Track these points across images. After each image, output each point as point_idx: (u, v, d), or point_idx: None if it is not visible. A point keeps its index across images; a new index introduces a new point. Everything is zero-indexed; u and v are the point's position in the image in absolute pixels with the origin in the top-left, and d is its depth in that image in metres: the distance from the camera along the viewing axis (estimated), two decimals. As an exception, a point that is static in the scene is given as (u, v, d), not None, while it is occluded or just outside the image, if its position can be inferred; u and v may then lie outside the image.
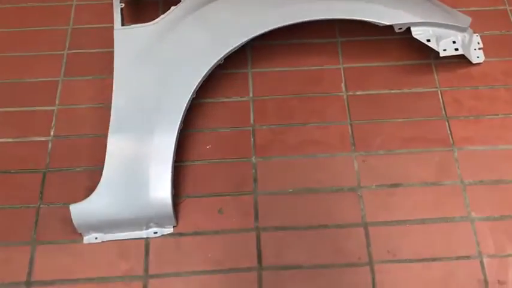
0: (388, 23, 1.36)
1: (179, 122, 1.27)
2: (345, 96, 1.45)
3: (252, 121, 1.42)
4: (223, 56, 1.33)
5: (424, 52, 1.47)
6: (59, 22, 1.59)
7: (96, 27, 1.57)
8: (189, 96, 1.29)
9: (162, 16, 1.39)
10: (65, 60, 1.51)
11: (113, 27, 1.40)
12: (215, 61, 1.32)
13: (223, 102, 1.45)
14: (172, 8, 1.41)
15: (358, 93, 1.46)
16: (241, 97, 1.46)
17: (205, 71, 1.31)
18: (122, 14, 1.42)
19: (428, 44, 1.38)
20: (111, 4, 1.45)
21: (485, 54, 1.49)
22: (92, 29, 1.57)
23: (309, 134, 1.39)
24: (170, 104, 1.30)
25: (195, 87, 1.30)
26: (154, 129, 1.26)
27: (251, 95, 1.46)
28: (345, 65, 1.50)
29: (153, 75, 1.33)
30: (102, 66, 1.48)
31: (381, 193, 1.30)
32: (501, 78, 1.47)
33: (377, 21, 1.36)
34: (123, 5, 1.42)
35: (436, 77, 1.48)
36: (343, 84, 1.47)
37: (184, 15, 1.39)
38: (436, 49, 1.38)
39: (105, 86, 1.42)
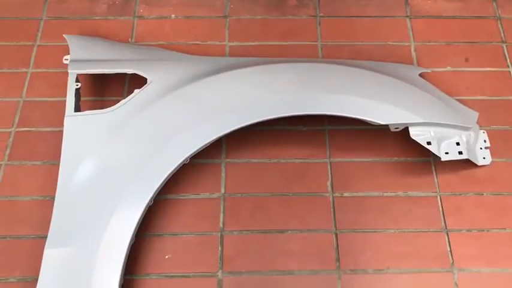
0: (382, 123, 1.18)
1: (134, 226, 1.08)
2: (330, 198, 1.26)
3: (221, 224, 1.22)
4: (194, 152, 1.15)
5: (424, 147, 1.25)
6: (10, 93, 1.39)
7: (52, 101, 1.37)
8: (148, 199, 1.10)
9: (122, 101, 1.20)
10: (11, 140, 1.31)
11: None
12: (182, 159, 1.14)
13: (188, 200, 1.25)
14: (136, 91, 1.22)
15: (345, 194, 1.27)
16: (210, 193, 1.26)
17: (170, 171, 1.13)
18: (77, 96, 1.22)
19: (428, 147, 1.20)
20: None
21: (492, 154, 1.30)
22: (46, 103, 1.37)
23: (287, 244, 1.20)
24: (125, 207, 1.10)
25: (152, 193, 1.11)
26: (102, 236, 1.07)
27: (223, 191, 1.26)
28: (332, 159, 1.31)
29: (108, 172, 1.14)
30: (55, 149, 1.28)
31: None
32: (510, 184, 1.28)
33: (370, 119, 1.18)
34: (80, 84, 1.23)
35: (435, 179, 1.29)
36: (329, 183, 1.28)
37: (150, 101, 1.20)
38: (437, 153, 1.20)
39: (56, 174, 1.22)
